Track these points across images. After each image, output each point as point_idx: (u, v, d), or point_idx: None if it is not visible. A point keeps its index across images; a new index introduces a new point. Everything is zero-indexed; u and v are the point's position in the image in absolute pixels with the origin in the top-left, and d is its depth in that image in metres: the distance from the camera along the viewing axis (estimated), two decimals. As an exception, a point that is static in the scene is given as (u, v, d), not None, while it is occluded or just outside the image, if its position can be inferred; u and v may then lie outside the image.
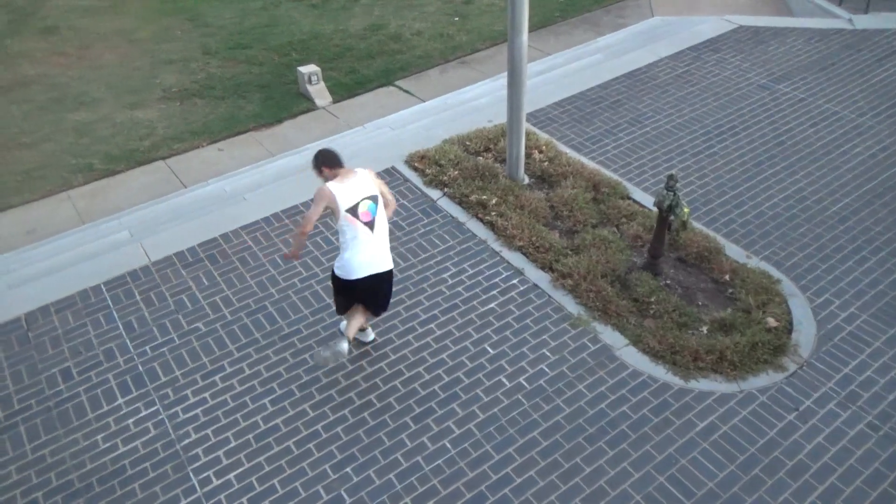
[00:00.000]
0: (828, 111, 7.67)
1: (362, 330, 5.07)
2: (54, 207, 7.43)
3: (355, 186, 4.40)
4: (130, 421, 4.66)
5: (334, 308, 4.94)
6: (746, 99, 7.92)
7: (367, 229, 4.42)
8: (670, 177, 5.10)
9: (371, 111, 8.90)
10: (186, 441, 4.53)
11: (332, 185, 4.34)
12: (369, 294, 4.65)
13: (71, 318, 5.43)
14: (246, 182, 7.06)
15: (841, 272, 5.67)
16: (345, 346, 4.55)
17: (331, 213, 4.40)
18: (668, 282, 5.60)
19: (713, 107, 7.80)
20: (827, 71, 8.42)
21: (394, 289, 5.53)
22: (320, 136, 8.30)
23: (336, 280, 4.62)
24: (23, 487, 4.30)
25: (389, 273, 4.65)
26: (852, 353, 5.03)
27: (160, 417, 4.68)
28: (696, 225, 6.10)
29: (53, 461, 4.44)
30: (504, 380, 4.87)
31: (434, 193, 6.56)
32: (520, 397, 4.76)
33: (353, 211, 4.37)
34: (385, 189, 4.63)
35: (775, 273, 5.65)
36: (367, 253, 4.44)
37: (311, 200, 4.43)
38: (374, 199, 4.46)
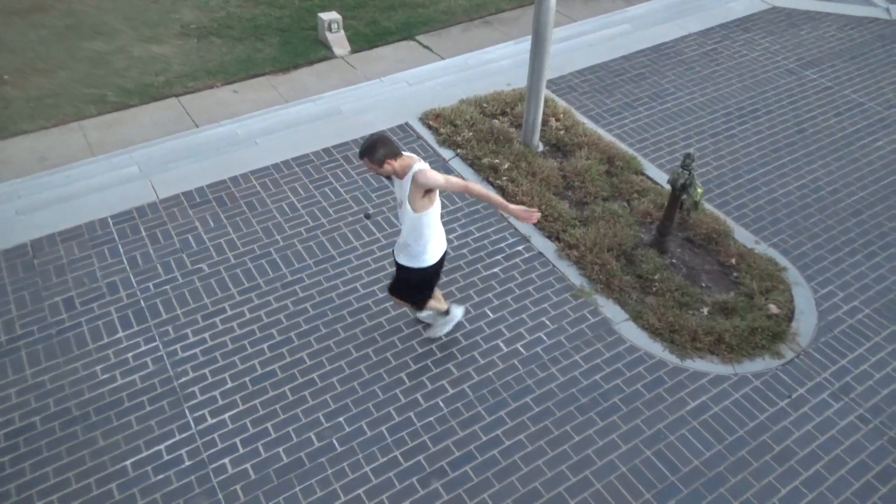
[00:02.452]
0: (853, 101, 7.52)
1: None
2: (66, 136, 7.39)
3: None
4: (130, 355, 4.72)
5: (419, 308, 4.63)
6: (772, 82, 7.76)
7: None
8: (687, 155, 5.03)
9: (389, 64, 8.76)
10: (184, 379, 4.60)
11: (426, 166, 3.89)
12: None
13: (76, 248, 5.46)
14: (259, 126, 7.00)
15: (848, 265, 5.64)
16: (459, 311, 4.78)
17: (427, 195, 3.93)
18: (674, 261, 5.57)
19: (737, 88, 7.65)
20: (857, 60, 8.23)
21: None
22: (337, 86, 8.19)
23: (429, 270, 4.25)
24: (21, 411, 4.38)
25: None
26: (851, 345, 5.03)
27: (159, 354, 4.73)
28: (708, 206, 6.05)
29: (52, 387, 4.51)
30: (501, 344, 4.90)
31: (446, 153, 6.50)
32: (515, 362, 4.79)
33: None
34: (431, 180, 4.12)
35: (782, 260, 5.62)
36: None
37: (430, 179, 3.84)
38: None
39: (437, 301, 4.66)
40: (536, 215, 3.97)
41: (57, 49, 8.76)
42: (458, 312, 4.84)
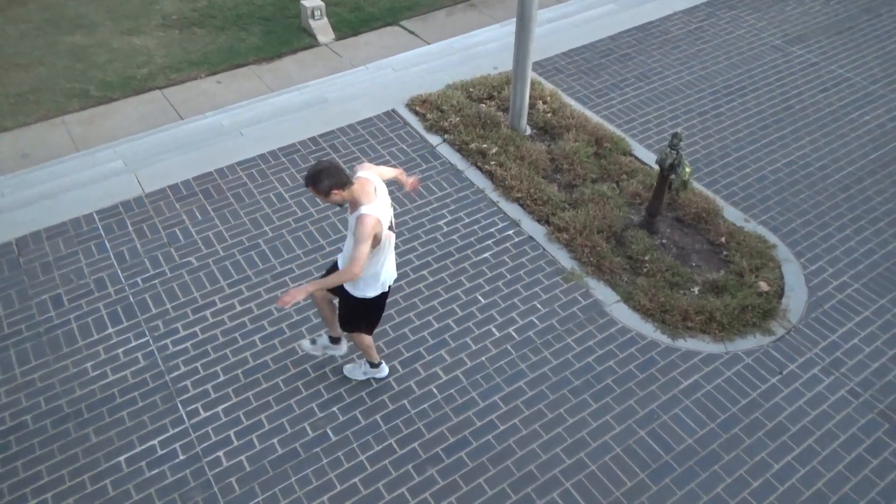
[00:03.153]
0: (840, 77, 7.52)
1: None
2: (48, 132, 7.30)
3: (383, 199, 3.72)
4: (120, 350, 4.69)
5: (361, 337, 4.24)
6: (758, 59, 7.74)
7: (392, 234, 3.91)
8: (674, 135, 5.01)
9: (374, 51, 8.68)
10: (175, 373, 4.57)
11: (373, 211, 3.58)
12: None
13: (62, 245, 5.40)
14: (244, 117, 6.93)
15: (837, 240, 5.66)
16: (385, 370, 4.54)
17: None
18: (664, 241, 5.58)
19: (724, 66, 7.63)
20: (843, 35, 8.21)
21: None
22: (322, 74, 8.11)
23: (369, 302, 3.99)
24: (12, 410, 4.35)
25: None
26: (841, 320, 5.06)
27: (150, 349, 4.71)
28: (697, 185, 6.05)
29: (43, 386, 4.48)
30: (494, 329, 4.90)
31: (434, 139, 6.46)
32: (508, 347, 4.79)
33: (390, 226, 3.83)
34: (386, 174, 3.99)
35: (772, 238, 5.64)
36: (390, 270, 4.00)
37: (356, 237, 3.58)
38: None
39: (369, 348, 4.36)
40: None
41: (36, 43, 8.63)
42: (384, 370, 4.56)
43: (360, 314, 4.10)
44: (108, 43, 8.69)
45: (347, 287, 3.94)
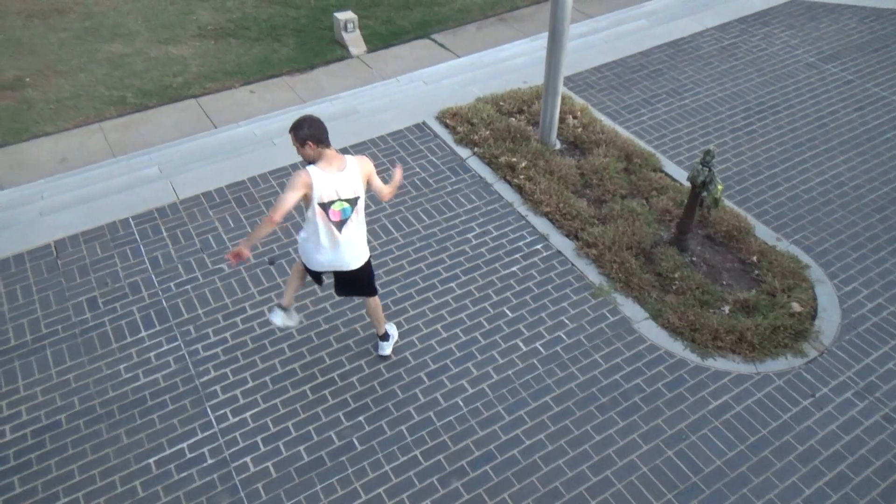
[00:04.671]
0: (875, 95, 7.41)
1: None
2: (86, 138, 7.49)
3: (339, 181, 3.84)
4: (152, 354, 4.77)
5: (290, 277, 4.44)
6: (792, 77, 7.67)
7: (334, 230, 3.96)
8: (707, 152, 4.99)
9: (405, 63, 8.78)
10: (206, 378, 4.64)
11: (314, 172, 3.78)
12: (337, 282, 4.40)
13: (99, 248, 5.52)
14: (276, 126, 7.03)
15: (872, 262, 5.56)
16: (278, 317, 4.41)
17: (303, 198, 3.87)
18: (694, 258, 5.53)
19: (756, 83, 7.57)
20: (879, 53, 8.11)
21: (418, 244, 5.56)
22: (353, 85, 8.22)
23: (304, 266, 4.25)
24: (47, 409, 4.44)
25: (358, 270, 4.22)
26: (875, 344, 4.96)
27: (181, 353, 4.78)
28: (728, 203, 6.00)
29: (77, 386, 4.57)
30: (521, 343, 4.89)
31: (464, 152, 6.49)
32: (535, 362, 4.78)
33: (325, 207, 3.88)
34: (375, 180, 4.08)
35: (804, 258, 5.56)
36: (326, 255, 4.07)
37: (286, 184, 3.83)
38: (354, 202, 3.94)
39: (288, 289, 4.44)
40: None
41: (77, 51, 8.87)
42: (276, 316, 4.46)
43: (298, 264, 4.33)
44: (145, 52, 8.90)
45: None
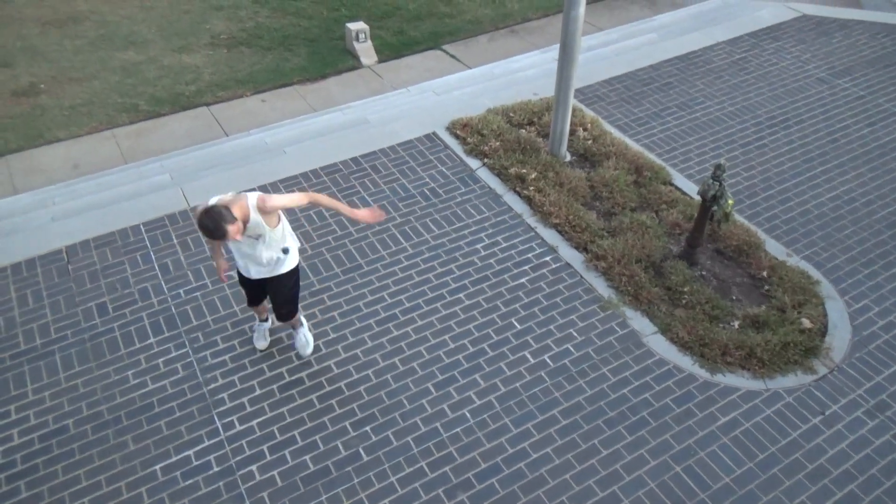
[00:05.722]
0: (887, 111, 7.39)
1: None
2: (99, 144, 7.54)
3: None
4: (161, 360, 4.78)
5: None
6: (803, 92, 7.66)
7: None
8: (718, 166, 4.98)
9: (416, 74, 8.82)
10: (213, 385, 4.64)
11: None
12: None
13: (110, 254, 5.55)
14: (287, 135, 7.07)
15: (884, 279, 5.52)
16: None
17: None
18: (704, 273, 5.51)
19: (767, 97, 7.56)
20: (891, 69, 8.09)
21: (427, 254, 5.58)
22: (364, 95, 8.26)
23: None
24: (55, 414, 4.45)
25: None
26: (886, 362, 4.92)
27: (189, 360, 4.79)
28: (738, 217, 5.98)
29: (85, 391, 4.59)
30: (528, 356, 4.87)
31: (473, 163, 6.51)
32: (543, 374, 4.76)
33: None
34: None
35: (815, 274, 5.53)
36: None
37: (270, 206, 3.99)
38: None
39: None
40: (381, 215, 4.34)
41: (91, 59, 8.95)
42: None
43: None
44: (158, 60, 8.97)
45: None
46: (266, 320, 4.89)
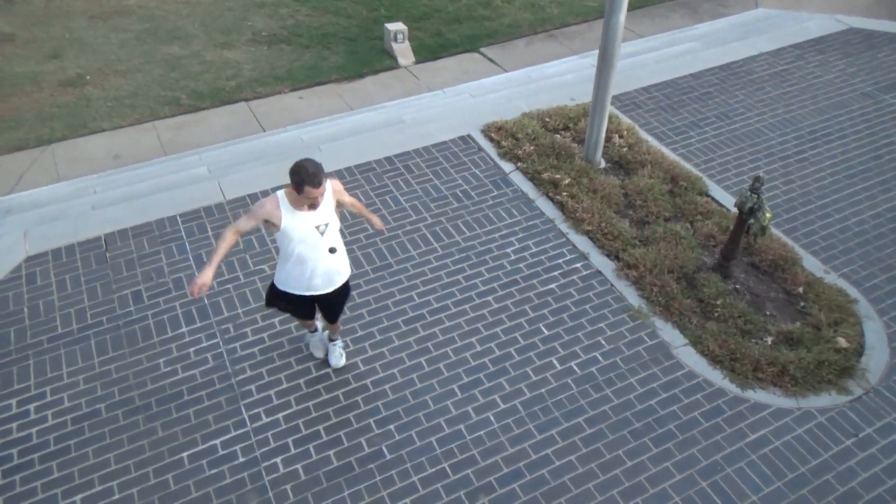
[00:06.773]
0: (936, 129, 7.18)
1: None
2: (140, 136, 7.70)
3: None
4: (191, 349, 4.86)
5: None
6: (847, 106, 7.49)
7: None
8: (756, 178, 4.89)
9: (452, 76, 8.83)
10: (242, 377, 4.70)
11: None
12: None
13: (146, 244, 5.67)
14: (323, 133, 7.14)
15: (925, 301, 5.37)
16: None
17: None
18: (738, 286, 5.41)
19: (810, 110, 7.41)
20: (941, 85, 7.86)
21: (457, 256, 5.58)
22: (400, 95, 8.30)
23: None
24: (88, 397, 4.56)
25: None
26: (925, 386, 4.78)
27: (219, 350, 4.86)
28: (776, 231, 5.86)
29: (118, 377, 4.68)
30: (555, 362, 4.84)
31: (507, 166, 6.49)
32: (569, 381, 4.73)
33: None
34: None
35: (853, 292, 5.39)
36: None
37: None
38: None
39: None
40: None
41: (136, 52, 9.15)
42: (307, 338, 4.92)
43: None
44: (201, 55, 9.14)
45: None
46: (317, 330, 4.82)
